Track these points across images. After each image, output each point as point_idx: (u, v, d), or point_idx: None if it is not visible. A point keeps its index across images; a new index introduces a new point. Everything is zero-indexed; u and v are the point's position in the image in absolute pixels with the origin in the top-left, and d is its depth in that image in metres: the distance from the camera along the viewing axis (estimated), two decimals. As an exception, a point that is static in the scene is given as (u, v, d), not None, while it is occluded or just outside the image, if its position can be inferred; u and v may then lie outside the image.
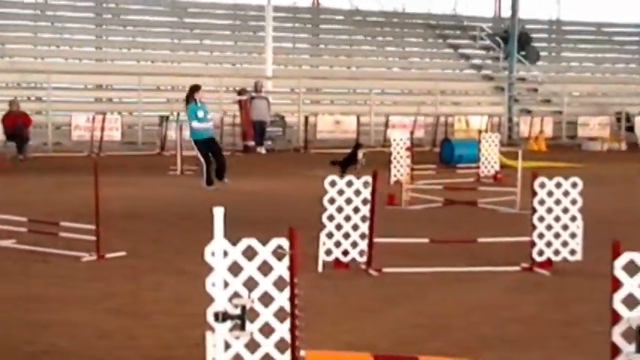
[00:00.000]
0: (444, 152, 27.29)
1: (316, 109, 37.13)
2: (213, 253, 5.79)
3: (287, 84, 38.05)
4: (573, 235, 10.85)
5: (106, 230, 11.50)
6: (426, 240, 11.70)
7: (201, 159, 19.70)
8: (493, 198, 16.76)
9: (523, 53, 42.66)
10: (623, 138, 38.04)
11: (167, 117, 31.62)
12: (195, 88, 20.22)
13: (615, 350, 5.43)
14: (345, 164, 21.95)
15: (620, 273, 5.41)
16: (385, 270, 10.58)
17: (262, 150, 32.48)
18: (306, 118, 34.69)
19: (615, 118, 40.54)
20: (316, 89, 39.14)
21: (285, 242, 5.83)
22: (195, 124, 19.60)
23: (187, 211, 15.87)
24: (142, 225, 14.46)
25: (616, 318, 5.42)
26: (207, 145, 19.77)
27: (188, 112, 19.98)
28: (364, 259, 10.72)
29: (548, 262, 10.84)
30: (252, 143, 32.65)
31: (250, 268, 5.84)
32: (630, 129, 39.66)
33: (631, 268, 5.41)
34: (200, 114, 19.69)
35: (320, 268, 10.60)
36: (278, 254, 5.86)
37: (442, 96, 39.29)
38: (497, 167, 22.67)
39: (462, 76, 42.73)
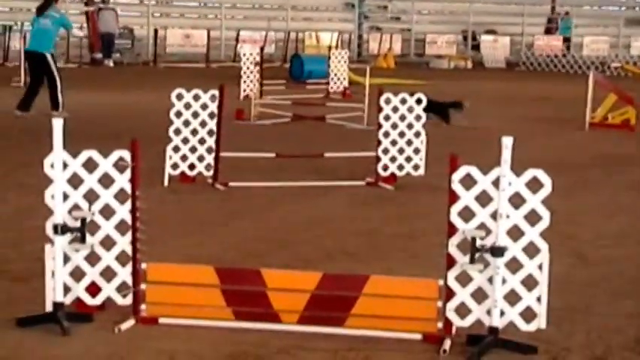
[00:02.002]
0: (293, 68, 27.32)
1: (166, 22, 36.52)
2: (52, 165, 5.68)
3: (136, -5, 37.30)
4: (417, 151, 11.05)
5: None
6: (273, 155, 11.74)
7: (58, 76, 16.53)
8: (341, 114, 16.91)
9: (374, -30, 42.79)
10: (469, 56, 38.77)
11: (10, 26, 30.63)
12: None
13: (451, 261, 5.58)
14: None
15: (457, 186, 5.53)
16: (232, 184, 10.58)
17: (110, 63, 31.88)
18: (156, 31, 34.12)
19: (462, 37, 41.23)
20: (166, 2, 38.47)
21: (126, 154, 5.76)
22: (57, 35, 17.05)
23: (30, 124, 15.47)
24: (-18, 138, 14.06)
25: (452, 230, 5.56)
26: None
27: (65, 20, 17.18)
28: (211, 173, 10.69)
29: (393, 177, 11.02)
30: (99, 56, 32.00)
31: (91, 181, 5.75)
32: (476, 47, 40.44)
33: (468, 182, 5.54)
34: None
35: (166, 182, 10.53)
36: (119, 166, 5.79)
37: (293, 11, 39.14)
38: (346, 84, 22.85)
39: (313, -9, 42.62)
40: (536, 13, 43.54)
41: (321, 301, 5.78)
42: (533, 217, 5.49)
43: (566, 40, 40.95)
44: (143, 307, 5.86)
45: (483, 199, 5.53)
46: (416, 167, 11.07)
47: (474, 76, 32.12)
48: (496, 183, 5.47)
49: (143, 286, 5.86)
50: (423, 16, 42.86)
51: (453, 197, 5.55)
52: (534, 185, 5.47)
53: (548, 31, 41.95)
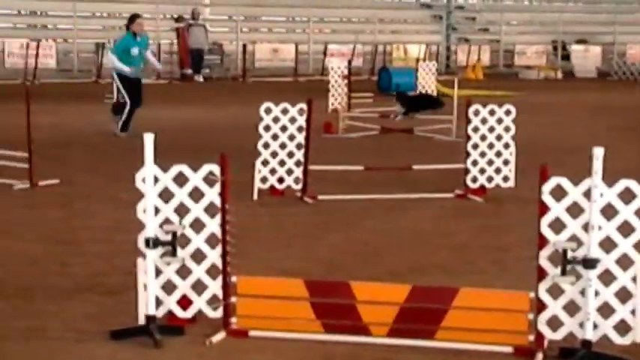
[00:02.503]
0: (381, 80, 27.30)
1: (254, 37, 36.81)
2: (143, 180, 5.76)
3: (225, 11, 37.61)
4: (506, 162, 10.94)
5: (39, 158, 11.37)
6: (361, 167, 11.74)
7: (127, 98, 16.21)
8: (429, 126, 16.85)
9: (462, -19, 42.60)
10: (559, 67, 38.31)
11: (103, 44, 31.21)
12: (131, 19, 16.79)
13: (542, 273, 5.51)
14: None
15: (547, 197, 5.47)
16: (320, 197, 10.60)
17: (200, 78, 32.24)
18: (244, 46, 34.41)
19: (552, 47, 40.78)
20: (254, 17, 38.76)
21: (216, 168, 5.81)
22: (118, 63, 16.25)
23: (122, 139, 15.72)
24: (76, 153, 14.33)
25: (543, 242, 5.49)
26: (132, 85, 16.35)
27: (119, 44, 16.83)
28: (299, 186, 10.73)
29: (482, 189, 10.93)
30: (189, 71, 32.38)
31: (181, 195, 5.82)
32: (566, 57, 39.95)
33: (558, 193, 5.47)
34: (134, 51, 16.21)
35: (255, 196, 10.60)
36: (209, 180, 5.84)
37: (381, 24, 39.14)
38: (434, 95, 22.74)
39: (400, 4, 42.51)
40: (628, 21, 42.85)
41: (410, 313, 5.76)
42: (626, 229, 5.40)
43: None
44: (234, 320, 5.90)
45: (574, 210, 5.46)
46: (505, 179, 10.96)
47: (564, 87, 31.74)
48: (587, 194, 5.39)
49: (233, 299, 5.90)
50: (512, 27, 42.47)
51: (544, 209, 5.49)
52: (627, 196, 5.38)
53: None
